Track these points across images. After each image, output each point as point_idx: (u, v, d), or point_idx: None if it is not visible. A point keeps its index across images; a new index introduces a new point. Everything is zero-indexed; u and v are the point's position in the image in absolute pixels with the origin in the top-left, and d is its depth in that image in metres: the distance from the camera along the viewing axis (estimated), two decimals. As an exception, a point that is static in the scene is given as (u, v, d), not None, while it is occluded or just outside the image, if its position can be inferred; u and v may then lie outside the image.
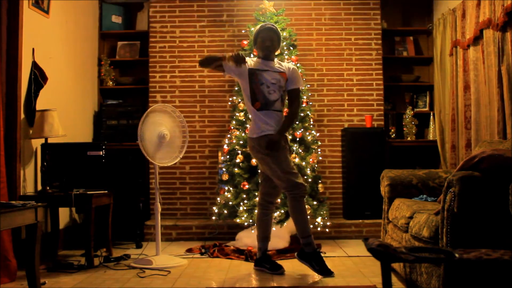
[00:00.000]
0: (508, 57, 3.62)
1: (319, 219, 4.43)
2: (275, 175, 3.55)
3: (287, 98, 3.72)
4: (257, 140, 3.57)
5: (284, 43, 4.69)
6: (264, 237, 3.71)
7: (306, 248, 3.53)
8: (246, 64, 3.62)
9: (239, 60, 3.48)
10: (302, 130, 4.58)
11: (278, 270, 3.58)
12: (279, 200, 4.28)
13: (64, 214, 4.54)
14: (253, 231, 4.29)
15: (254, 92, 3.59)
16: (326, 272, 3.46)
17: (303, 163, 4.48)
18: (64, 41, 4.69)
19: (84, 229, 3.89)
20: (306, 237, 3.53)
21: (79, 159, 4.10)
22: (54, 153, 4.05)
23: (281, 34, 3.77)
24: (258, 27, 3.77)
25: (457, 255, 1.71)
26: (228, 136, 4.77)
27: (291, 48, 4.76)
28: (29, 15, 3.94)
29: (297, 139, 4.55)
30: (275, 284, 3.30)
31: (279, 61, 3.76)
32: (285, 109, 3.78)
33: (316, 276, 3.50)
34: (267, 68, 3.64)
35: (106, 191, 4.09)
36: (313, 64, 5.34)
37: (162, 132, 3.92)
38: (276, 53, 4.62)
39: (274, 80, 3.61)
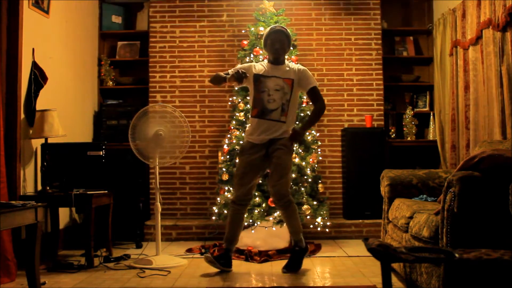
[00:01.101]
0: (508, 57, 3.62)
1: (319, 219, 4.43)
2: None
3: (307, 99, 3.77)
4: (244, 142, 3.76)
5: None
6: (291, 232, 3.78)
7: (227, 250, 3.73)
8: (253, 68, 3.68)
9: (240, 79, 3.52)
10: (302, 130, 4.58)
11: (292, 268, 3.67)
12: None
13: (64, 214, 4.54)
14: (253, 231, 4.29)
15: (256, 98, 3.65)
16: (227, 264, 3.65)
17: (303, 163, 4.48)
18: (64, 41, 4.69)
19: (84, 229, 3.89)
20: (230, 243, 3.72)
21: (79, 159, 4.10)
22: (54, 153, 4.04)
23: (291, 33, 3.76)
24: (268, 29, 3.77)
25: (457, 255, 1.72)
26: (228, 136, 4.77)
27: (291, 48, 4.75)
28: (29, 15, 3.94)
29: (297, 139, 4.55)
30: (275, 284, 3.30)
31: (289, 64, 3.75)
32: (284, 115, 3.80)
33: (317, 276, 3.51)
34: (272, 74, 3.65)
35: (106, 191, 4.09)
36: (313, 64, 5.34)
37: (158, 132, 3.91)
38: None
39: (278, 87, 3.62)
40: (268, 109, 3.61)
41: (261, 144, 3.65)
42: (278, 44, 3.64)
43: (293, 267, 3.63)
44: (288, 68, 3.68)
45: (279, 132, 3.63)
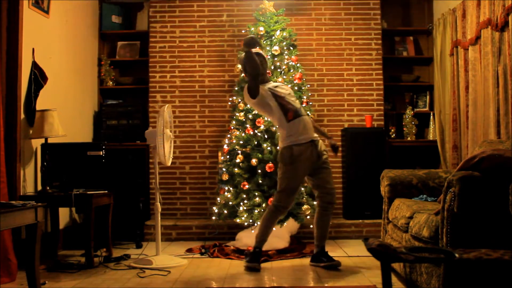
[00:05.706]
0: (505, 58, 3.62)
1: (319, 219, 4.43)
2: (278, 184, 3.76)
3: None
4: (283, 149, 3.72)
5: (284, 43, 4.70)
6: (321, 236, 3.81)
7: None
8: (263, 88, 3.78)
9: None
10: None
11: (334, 261, 3.72)
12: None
13: (64, 214, 4.54)
14: (253, 231, 4.29)
15: (283, 104, 3.75)
16: None
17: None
18: (64, 41, 4.69)
19: (84, 229, 3.89)
20: (262, 244, 3.74)
21: (79, 159, 4.10)
22: (54, 153, 4.04)
23: (242, 61, 3.94)
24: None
25: (457, 255, 1.72)
26: (228, 136, 4.77)
27: (291, 48, 4.76)
28: (29, 15, 3.94)
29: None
30: (275, 284, 3.30)
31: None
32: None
33: (317, 276, 3.51)
34: (275, 84, 3.89)
35: (106, 191, 4.09)
36: (313, 64, 5.34)
37: (168, 133, 4.02)
38: (276, 53, 4.65)
39: (288, 91, 3.87)
40: (297, 107, 3.78)
41: (311, 144, 3.72)
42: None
43: (334, 263, 3.72)
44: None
45: (314, 133, 3.80)
